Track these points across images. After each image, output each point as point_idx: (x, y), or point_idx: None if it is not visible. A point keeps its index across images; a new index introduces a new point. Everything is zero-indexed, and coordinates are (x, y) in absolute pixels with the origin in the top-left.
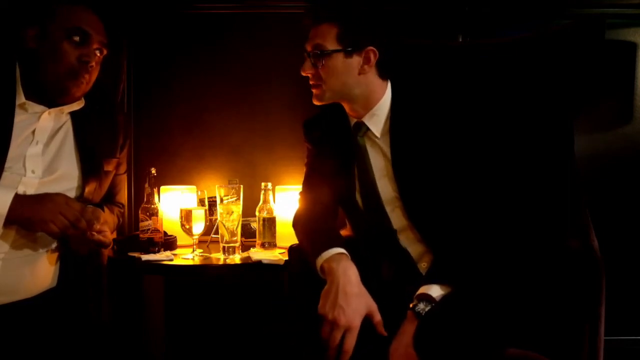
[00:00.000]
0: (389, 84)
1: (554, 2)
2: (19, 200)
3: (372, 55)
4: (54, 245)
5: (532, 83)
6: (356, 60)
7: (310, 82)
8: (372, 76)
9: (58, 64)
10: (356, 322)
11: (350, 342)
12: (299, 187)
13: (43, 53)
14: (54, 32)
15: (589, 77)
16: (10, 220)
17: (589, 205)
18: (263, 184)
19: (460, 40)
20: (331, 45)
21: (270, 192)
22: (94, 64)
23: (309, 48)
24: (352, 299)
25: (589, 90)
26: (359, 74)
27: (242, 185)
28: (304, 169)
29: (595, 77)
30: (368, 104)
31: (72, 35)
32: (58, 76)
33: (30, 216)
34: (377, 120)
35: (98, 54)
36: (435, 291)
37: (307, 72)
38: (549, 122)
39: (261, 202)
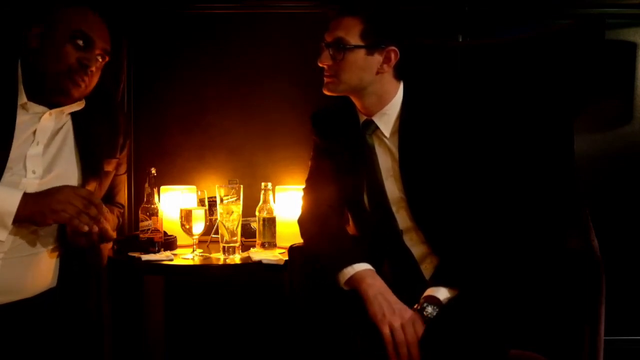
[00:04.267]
0: (402, 85)
1: (554, 2)
2: (28, 198)
3: (393, 56)
4: (54, 245)
5: (533, 83)
6: (376, 58)
7: (325, 73)
8: (388, 76)
9: (58, 65)
10: (416, 314)
11: (420, 330)
12: (299, 187)
13: (45, 53)
14: (57, 32)
15: (589, 77)
16: (21, 217)
17: (589, 205)
18: (263, 184)
19: (460, 40)
20: (354, 40)
21: (270, 192)
22: (94, 68)
23: (328, 39)
24: (398, 302)
25: (589, 90)
26: (377, 73)
27: (242, 185)
28: (305, 169)
29: (596, 77)
30: (380, 103)
31: (76, 39)
32: (58, 77)
33: (42, 209)
34: (387, 119)
35: (100, 59)
36: (443, 294)
37: (324, 63)
38: (549, 122)
39: (261, 202)
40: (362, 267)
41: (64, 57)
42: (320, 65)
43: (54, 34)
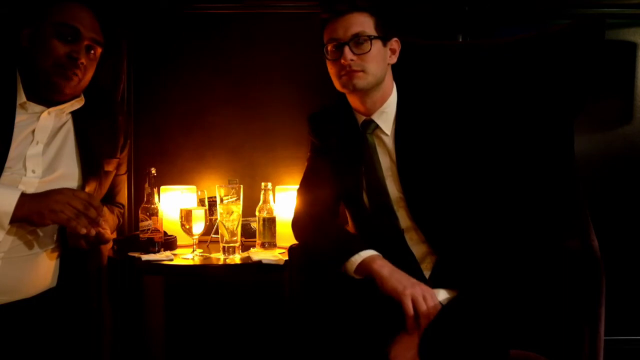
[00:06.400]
0: (394, 84)
1: (554, 2)
2: (25, 198)
3: (396, 46)
4: (54, 245)
5: (533, 83)
6: (387, 50)
7: (348, 69)
8: (390, 71)
9: (48, 60)
10: (428, 287)
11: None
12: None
13: (35, 50)
14: (45, 29)
15: (589, 77)
16: (18, 217)
17: (589, 205)
18: (263, 184)
19: (460, 40)
20: (371, 32)
21: (270, 192)
22: (84, 60)
23: (347, 37)
24: (413, 278)
25: (589, 90)
26: (387, 64)
27: (242, 185)
28: (305, 166)
29: (595, 77)
30: (381, 100)
31: (62, 32)
32: (48, 72)
33: (40, 209)
34: (386, 117)
35: (92, 52)
36: (442, 295)
37: (348, 60)
38: (549, 122)
39: (261, 202)
40: (369, 252)
41: (51, 52)
42: (345, 63)
43: (42, 31)
